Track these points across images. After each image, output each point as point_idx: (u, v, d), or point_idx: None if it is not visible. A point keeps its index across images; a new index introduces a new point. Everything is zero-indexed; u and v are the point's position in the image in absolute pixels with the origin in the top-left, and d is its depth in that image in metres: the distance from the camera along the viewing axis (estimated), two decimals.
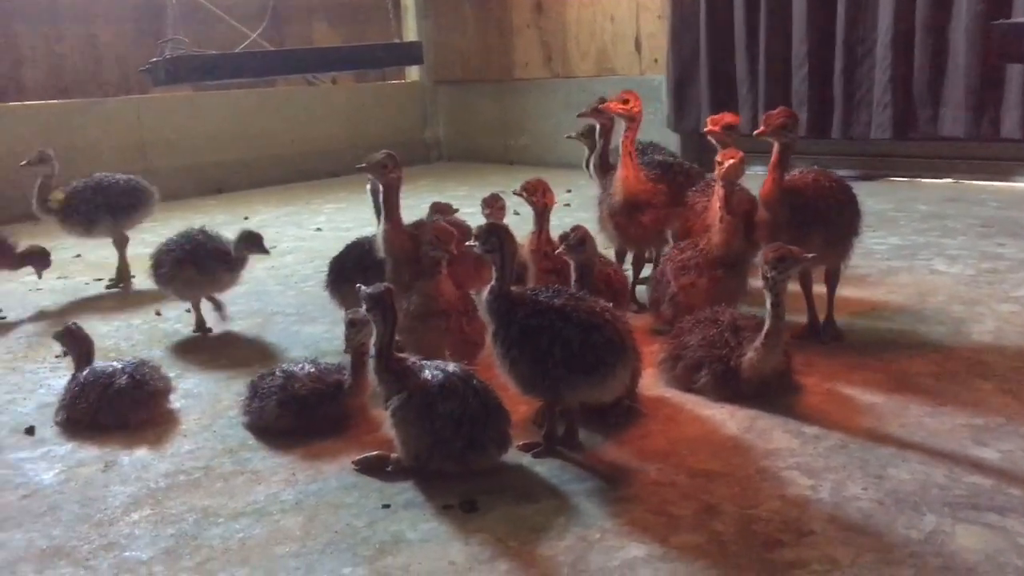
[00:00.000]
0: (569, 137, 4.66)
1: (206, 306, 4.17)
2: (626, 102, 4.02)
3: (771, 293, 2.95)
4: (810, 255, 2.98)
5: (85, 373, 3.22)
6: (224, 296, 4.20)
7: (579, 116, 4.25)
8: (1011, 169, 6.75)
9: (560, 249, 3.08)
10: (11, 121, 7.29)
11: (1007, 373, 3.20)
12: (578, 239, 3.04)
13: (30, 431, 3.13)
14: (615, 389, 2.77)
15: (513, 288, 2.79)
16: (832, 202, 3.49)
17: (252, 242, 4.03)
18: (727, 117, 3.88)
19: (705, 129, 3.92)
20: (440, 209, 3.87)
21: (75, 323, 3.44)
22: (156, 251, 4.13)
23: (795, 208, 3.43)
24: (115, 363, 3.27)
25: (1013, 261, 4.66)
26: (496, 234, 2.80)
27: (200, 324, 4.16)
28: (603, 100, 4.14)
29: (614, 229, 4.13)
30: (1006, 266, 4.58)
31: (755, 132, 3.55)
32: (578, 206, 5.97)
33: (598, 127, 4.23)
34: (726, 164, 3.42)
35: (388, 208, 3.44)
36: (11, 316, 4.57)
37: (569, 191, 6.35)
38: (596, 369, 2.67)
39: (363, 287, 2.73)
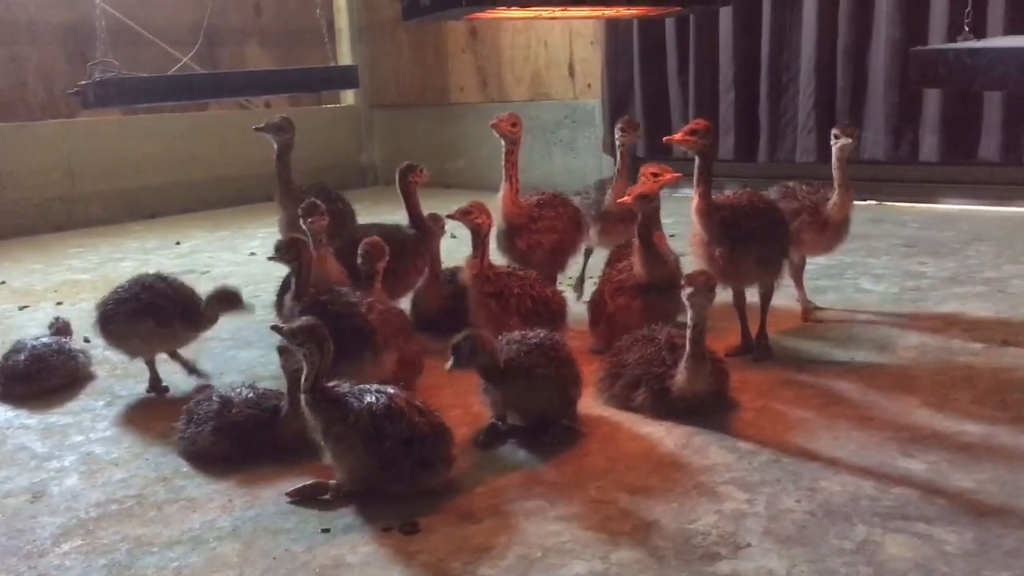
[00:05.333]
0: (257, 129, 4.67)
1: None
2: (515, 125, 3.98)
3: (690, 317, 3.00)
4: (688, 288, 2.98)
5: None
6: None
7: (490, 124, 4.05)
8: (930, 191, 6.99)
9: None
10: None
11: (931, 387, 3.30)
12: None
13: None
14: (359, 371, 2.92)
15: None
16: (765, 222, 3.56)
17: (227, 300, 3.61)
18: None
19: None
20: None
21: None
22: (103, 301, 3.58)
23: (726, 224, 3.47)
24: None
25: (935, 279, 4.81)
26: (294, 246, 3.34)
27: (155, 382, 3.70)
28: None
29: (502, 252, 4.03)
30: (928, 284, 4.73)
31: (664, 138, 3.61)
32: None
33: None
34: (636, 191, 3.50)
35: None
36: None
37: None
38: (345, 353, 2.82)
39: (284, 326, 2.71)
